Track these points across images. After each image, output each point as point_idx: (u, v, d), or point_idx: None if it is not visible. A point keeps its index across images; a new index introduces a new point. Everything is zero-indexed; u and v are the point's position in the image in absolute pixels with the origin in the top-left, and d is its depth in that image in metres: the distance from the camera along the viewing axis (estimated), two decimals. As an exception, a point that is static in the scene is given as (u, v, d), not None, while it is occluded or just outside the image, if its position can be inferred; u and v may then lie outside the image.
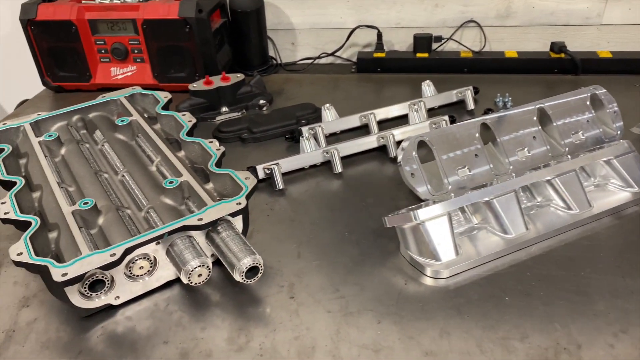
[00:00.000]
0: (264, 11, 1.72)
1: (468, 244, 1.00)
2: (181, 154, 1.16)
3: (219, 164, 1.07)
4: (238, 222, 0.97)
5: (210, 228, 0.93)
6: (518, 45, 1.71)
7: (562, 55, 1.64)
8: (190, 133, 1.18)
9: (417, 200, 1.12)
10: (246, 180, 1.00)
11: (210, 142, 1.13)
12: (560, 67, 1.65)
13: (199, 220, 0.91)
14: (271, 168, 1.19)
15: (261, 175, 1.21)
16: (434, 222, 0.96)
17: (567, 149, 1.22)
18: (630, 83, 1.58)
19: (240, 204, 0.94)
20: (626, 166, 1.11)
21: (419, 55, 1.71)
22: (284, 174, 1.22)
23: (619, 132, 1.27)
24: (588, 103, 1.28)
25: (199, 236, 0.93)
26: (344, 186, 1.21)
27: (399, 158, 1.13)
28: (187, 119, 1.21)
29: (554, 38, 1.67)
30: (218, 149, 1.10)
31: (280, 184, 1.19)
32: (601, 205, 1.07)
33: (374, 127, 1.36)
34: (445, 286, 0.93)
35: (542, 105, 1.23)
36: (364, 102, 1.57)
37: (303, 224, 1.10)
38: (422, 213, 0.95)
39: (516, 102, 1.47)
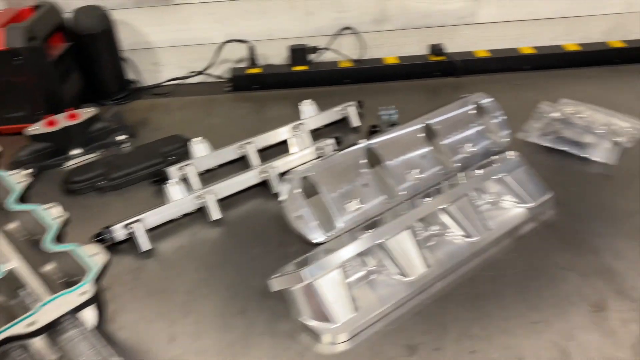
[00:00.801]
0: (114, 31, 1.49)
1: (367, 293, 0.88)
2: (12, 226, 0.93)
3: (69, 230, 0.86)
4: (89, 311, 0.77)
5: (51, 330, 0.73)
6: (398, 50, 1.64)
7: (442, 57, 1.58)
8: (25, 195, 0.96)
9: (309, 245, 0.99)
10: (94, 258, 0.80)
11: (48, 207, 0.91)
12: (441, 69, 1.60)
13: (28, 325, 0.71)
14: (132, 227, 1.00)
15: (121, 236, 1.01)
16: (326, 278, 0.83)
17: (458, 164, 1.15)
18: (510, 81, 1.57)
19: (85, 293, 0.75)
20: (518, 181, 1.05)
21: (297, 68, 1.58)
22: (151, 230, 1.04)
23: (507, 140, 1.22)
24: (474, 113, 1.22)
25: (37, 340, 0.73)
26: (224, 236, 1.05)
27: (282, 199, 0.99)
28: (17, 179, 0.97)
29: (433, 40, 1.61)
30: (59, 217, 0.89)
31: (145, 245, 1.00)
32: (499, 226, 1.00)
33: (253, 159, 1.21)
34: (347, 351, 0.81)
35: (428, 122, 1.15)
36: (243, 126, 1.41)
37: (176, 293, 0.92)
38: (311, 271, 0.81)
39: (401, 113, 1.39)
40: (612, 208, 1.06)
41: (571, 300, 0.86)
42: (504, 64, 1.61)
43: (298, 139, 1.23)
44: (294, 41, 1.60)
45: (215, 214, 1.07)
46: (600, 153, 1.20)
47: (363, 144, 1.07)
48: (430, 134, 1.16)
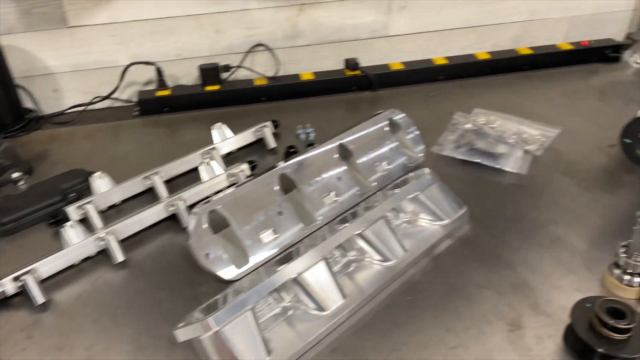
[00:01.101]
0: (3, 58, 1.37)
1: (283, 331, 0.84)
2: None
3: None
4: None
5: None
6: (314, 65, 1.61)
7: (357, 72, 1.57)
8: None
9: (222, 282, 0.93)
10: (-32, 325, 0.71)
11: None
12: (357, 84, 1.59)
13: None
14: (23, 279, 0.91)
15: (11, 290, 0.91)
16: (235, 323, 0.77)
17: (375, 184, 1.13)
18: (425, 92, 1.57)
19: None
20: (432, 198, 1.04)
21: (209, 88, 1.52)
22: (45, 280, 0.94)
23: (422, 155, 1.22)
24: (387, 130, 1.20)
25: None
26: (129, 279, 0.97)
27: (189, 237, 0.93)
28: None
29: (348, 54, 1.60)
30: None
31: (39, 298, 0.91)
32: (416, 247, 0.98)
33: (161, 191, 1.14)
34: (262, 400, 0.76)
35: (341, 141, 1.13)
36: (154, 153, 1.33)
37: (75, 349, 0.84)
38: (217, 318, 0.76)
39: (320, 131, 1.36)
40: (525, 219, 1.06)
41: (488, 320, 0.85)
42: (419, 76, 1.61)
43: (208, 167, 1.16)
44: (205, 60, 1.53)
45: (118, 256, 0.99)
46: (512, 163, 1.21)
47: (275, 169, 1.03)
48: (345, 153, 1.13)
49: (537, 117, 1.38)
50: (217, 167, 1.18)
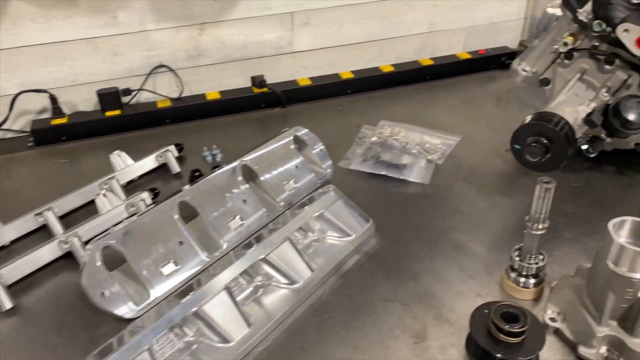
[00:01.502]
0: None
1: (187, 368, 0.80)
2: None
3: None
4: None
5: None
6: (220, 84, 1.58)
7: (265, 89, 1.56)
8: None
9: (121, 322, 0.88)
10: None
11: None
12: (266, 101, 1.58)
13: None
14: None
15: None
16: (131, 367, 0.73)
17: (282, 203, 1.12)
18: (333, 107, 1.59)
19: None
20: (338, 215, 1.04)
21: (109, 113, 1.45)
22: None
23: (329, 170, 1.22)
24: (292, 147, 1.20)
25: None
26: (19, 328, 0.90)
27: (81, 276, 0.87)
28: None
29: (254, 71, 1.58)
30: None
31: None
32: (324, 265, 0.98)
33: (55, 227, 1.07)
34: None
35: (245, 162, 1.11)
36: (50, 186, 1.25)
37: (-47, 414, 0.77)
38: (109, 365, 0.71)
39: (228, 151, 1.34)
40: (429, 228, 1.09)
41: (394, 335, 0.86)
42: (326, 90, 1.63)
43: (105, 198, 1.11)
44: (103, 85, 1.47)
45: (5, 303, 0.92)
46: (415, 173, 1.24)
47: (174, 197, 0.99)
48: (250, 174, 1.11)
49: (439, 126, 1.43)
50: (116, 197, 1.12)
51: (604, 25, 1.10)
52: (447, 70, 1.73)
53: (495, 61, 1.77)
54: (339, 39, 1.66)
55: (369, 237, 1.05)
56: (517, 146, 1.07)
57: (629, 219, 0.78)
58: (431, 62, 1.73)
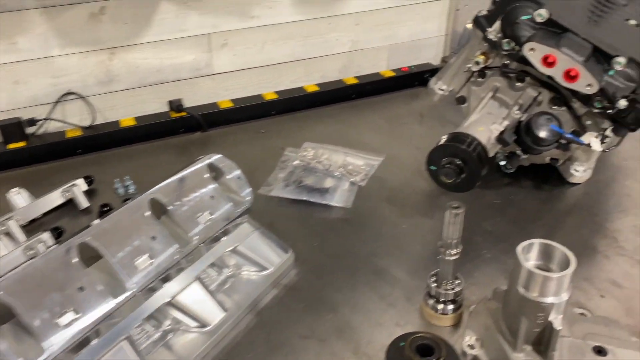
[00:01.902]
0: None
1: None
2: None
3: None
4: None
5: None
6: (135, 110, 1.51)
7: (183, 113, 1.50)
8: None
9: (10, 382, 0.80)
10: None
11: None
12: (185, 126, 1.51)
13: None
14: None
15: None
16: None
17: (196, 237, 1.06)
18: (257, 130, 1.54)
19: None
20: (254, 248, 1.00)
21: (12, 146, 1.35)
22: None
23: (248, 198, 1.17)
24: (207, 176, 1.14)
25: None
26: None
27: (-39, 336, 0.78)
28: None
29: (171, 95, 1.52)
30: None
31: None
32: (238, 303, 0.93)
33: (-61, 277, 0.96)
34: None
35: (153, 194, 1.04)
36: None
37: None
38: None
39: (141, 182, 1.27)
40: (350, 255, 1.06)
41: (311, 375, 0.82)
42: (250, 112, 1.58)
43: (2, 241, 1.01)
44: (5, 115, 1.36)
45: None
46: (338, 197, 1.21)
47: (72, 239, 0.91)
48: (160, 207, 1.05)
49: (363, 146, 1.41)
50: (13, 240, 1.03)
51: (512, 44, 1.12)
52: (371, 88, 1.73)
53: (419, 78, 1.79)
54: (261, 59, 1.63)
55: (288, 268, 1.01)
56: (432, 167, 1.06)
57: (537, 242, 0.77)
58: (355, 81, 1.72)
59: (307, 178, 1.28)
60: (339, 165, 1.31)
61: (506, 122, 1.12)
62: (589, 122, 1.14)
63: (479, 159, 1.03)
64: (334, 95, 1.69)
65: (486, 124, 1.11)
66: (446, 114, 1.59)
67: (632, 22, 1.15)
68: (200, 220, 1.08)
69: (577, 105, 1.13)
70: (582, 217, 1.16)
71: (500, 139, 1.07)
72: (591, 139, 1.13)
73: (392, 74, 1.77)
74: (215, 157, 1.16)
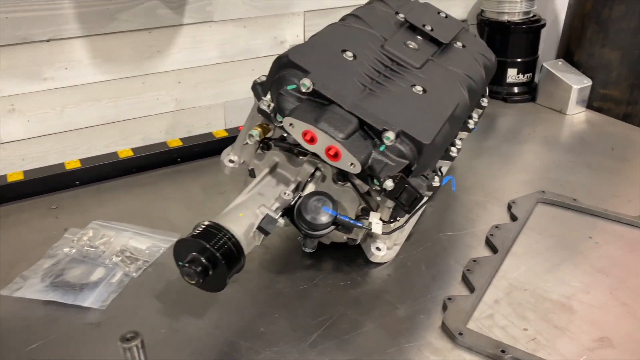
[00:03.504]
0: None
1: None
2: None
3: None
4: None
5: None
6: None
7: (-44, 191, 1.30)
8: None
9: None
10: None
11: None
12: (-40, 205, 1.31)
13: None
14: None
15: None
16: None
17: None
18: (49, 204, 1.35)
19: None
20: None
21: None
22: None
23: None
24: None
25: None
26: None
27: None
28: None
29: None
30: None
31: None
32: None
33: None
34: None
35: None
36: None
37: None
38: None
39: None
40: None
41: None
42: (46, 185, 1.39)
43: None
44: None
45: None
46: (96, 296, 1.03)
47: None
48: None
49: (162, 223, 1.25)
50: None
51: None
52: (200, 150, 1.57)
53: (256, 137, 1.65)
54: (62, 124, 1.45)
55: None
56: (180, 263, 0.90)
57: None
58: (180, 143, 1.56)
59: (73, 270, 1.09)
60: (117, 250, 1.14)
61: (277, 204, 0.98)
62: (375, 200, 1.02)
63: (226, 259, 0.87)
64: (154, 160, 1.52)
65: (252, 208, 0.96)
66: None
67: (418, 88, 1.05)
68: None
69: (358, 182, 1.00)
70: (378, 308, 1.02)
71: (259, 227, 0.93)
72: (374, 219, 1.00)
73: (226, 134, 1.62)
74: None
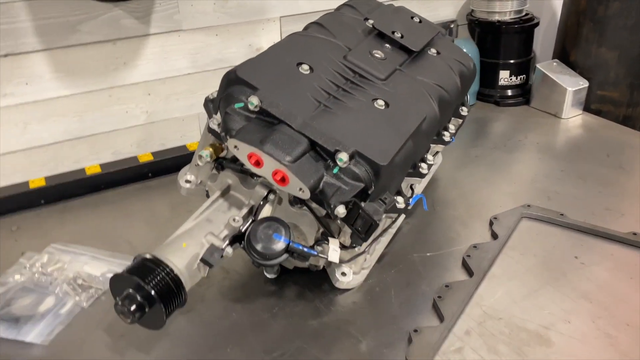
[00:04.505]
0: None
1: None
2: None
3: None
4: None
5: None
6: None
7: None
8: None
9: None
10: None
11: None
12: None
13: None
14: None
15: None
16: None
17: None
18: (11, 225, 1.30)
19: None
20: None
21: None
22: None
23: None
24: None
25: None
26: None
27: None
28: None
29: None
30: None
31: None
32: None
33: None
34: None
35: None
36: None
37: None
38: None
39: None
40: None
41: None
42: (8, 205, 1.34)
43: None
44: None
45: None
46: (40, 329, 0.97)
47: None
48: None
49: (123, 245, 1.20)
50: None
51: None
52: (172, 165, 1.51)
53: (232, 149, 1.58)
54: (26, 141, 1.39)
55: None
56: (116, 299, 0.83)
57: None
58: (151, 158, 1.50)
59: (22, 299, 1.04)
60: (70, 277, 1.08)
61: (226, 232, 0.91)
62: (336, 224, 0.95)
63: (163, 297, 0.80)
64: (124, 176, 1.46)
65: (198, 236, 0.90)
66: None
67: (380, 102, 0.97)
68: None
69: (314, 205, 0.93)
70: (339, 342, 0.94)
71: (202, 259, 0.86)
72: (332, 246, 0.93)
73: (199, 146, 1.56)
74: None
